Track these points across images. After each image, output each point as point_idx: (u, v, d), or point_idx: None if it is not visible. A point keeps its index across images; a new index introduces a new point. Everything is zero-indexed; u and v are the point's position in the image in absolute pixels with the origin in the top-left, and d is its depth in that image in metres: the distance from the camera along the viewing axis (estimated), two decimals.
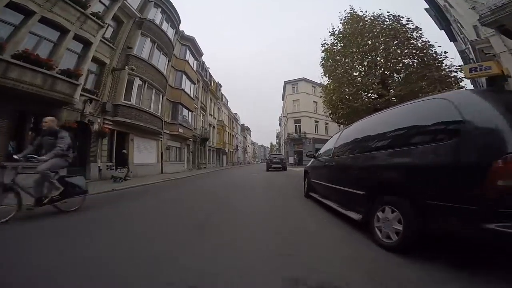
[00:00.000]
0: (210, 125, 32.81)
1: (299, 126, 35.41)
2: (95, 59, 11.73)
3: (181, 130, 19.82)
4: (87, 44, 10.85)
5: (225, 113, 44.00)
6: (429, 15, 15.83)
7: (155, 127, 15.68)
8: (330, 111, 15.17)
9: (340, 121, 15.28)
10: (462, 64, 12.49)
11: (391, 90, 12.26)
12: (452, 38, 18.05)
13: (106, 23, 11.70)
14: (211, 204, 5.21)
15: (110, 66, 12.92)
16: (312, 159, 5.73)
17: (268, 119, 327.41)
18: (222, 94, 42.52)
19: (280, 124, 67.60)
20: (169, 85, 19.55)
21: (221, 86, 40.97)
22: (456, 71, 11.45)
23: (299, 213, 4.22)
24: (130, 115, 13.47)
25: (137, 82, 14.59)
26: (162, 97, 17.93)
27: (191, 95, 23.19)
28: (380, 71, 12.39)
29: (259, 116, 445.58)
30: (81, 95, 10.48)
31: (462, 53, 13.43)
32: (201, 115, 29.12)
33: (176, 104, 20.19)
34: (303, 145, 33.92)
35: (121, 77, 13.51)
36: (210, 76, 34.37)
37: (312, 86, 39.21)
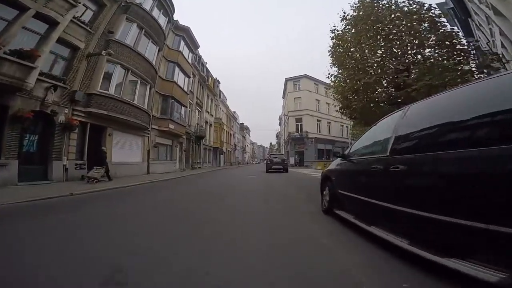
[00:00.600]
0: (206, 122, 30.88)
1: (301, 125, 33.51)
2: (66, 43, 10.06)
3: (172, 126, 17.88)
4: (53, 24, 9.09)
5: (223, 111, 42.07)
6: (441, 11, 14.03)
7: (139, 121, 13.73)
8: (340, 105, 13.19)
9: (353, 116, 13.30)
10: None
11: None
12: (468, 33, 16.40)
13: (79, 2, 9.84)
14: (180, 224, 3.30)
15: (85, 52, 11.02)
16: (338, 160, 3.85)
17: (267, 119, 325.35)
18: (220, 91, 40.60)
19: (280, 124, 65.76)
20: (159, 76, 17.65)
21: (219, 83, 39.04)
22: (493, 61, 9.55)
23: (327, 253, 2.29)
24: (107, 107, 11.52)
25: (118, 70, 12.69)
26: (150, 89, 16.00)
27: (185, 89, 21.25)
28: (403, 57, 10.48)
29: (258, 116, 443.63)
30: (42, 81, 8.72)
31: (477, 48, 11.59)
32: (197, 111, 27.17)
33: (167, 98, 18.25)
34: (304, 145, 32.04)
35: (99, 64, 11.61)
36: (208, 71, 32.47)
37: (315, 83, 37.47)
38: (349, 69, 11.44)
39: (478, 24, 15.57)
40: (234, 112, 54.35)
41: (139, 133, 14.97)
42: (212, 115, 33.81)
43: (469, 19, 16.52)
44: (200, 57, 29.48)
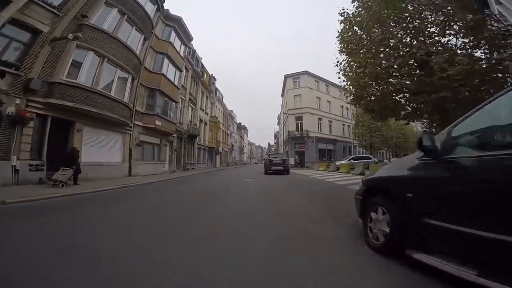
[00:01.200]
0: (201, 120, 29.07)
1: (301, 123, 31.76)
2: (25, 26, 8.57)
3: (159, 123, 16.04)
4: (3, 3, 7.48)
5: (219, 109, 40.26)
6: None
7: (117, 116, 11.88)
8: (353, 96, 11.38)
9: (369, 108, 11.34)
10: None
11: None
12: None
13: None
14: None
15: (50, 36, 9.26)
16: (412, 159, 2.10)
17: (264, 120, 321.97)
18: (216, 88, 38.80)
19: (279, 123, 64.02)
20: (145, 68, 15.88)
21: (215, 80, 37.26)
22: None
23: None
24: (75, 98, 9.67)
25: (91, 57, 10.90)
26: (133, 80, 14.21)
27: (176, 83, 19.41)
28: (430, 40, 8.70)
29: (255, 117, 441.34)
30: None
31: None
32: (190, 108, 25.35)
33: (154, 91, 16.40)
34: (305, 145, 30.30)
35: (66, 50, 9.87)
36: (203, 66, 30.70)
37: (315, 80, 35.83)
38: (366, 52, 9.66)
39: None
40: (231, 111, 52.58)
41: (119, 130, 13.12)
42: (207, 113, 32.01)
43: None
44: (194, 51, 27.71)
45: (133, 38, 14.04)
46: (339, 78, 11.89)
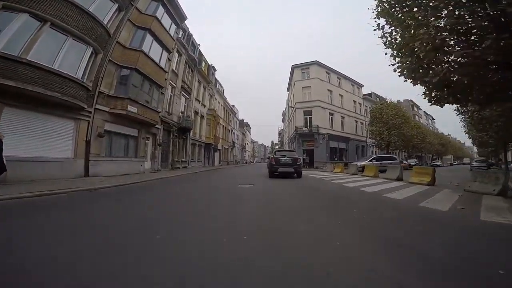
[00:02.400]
0: (196, 113, 25.54)
1: (310, 118, 28.01)
2: None
3: (133, 109, 12.51)
4: None
5: (219, 103, 36.70)
6: None
7: (61, 95, 8.39)
8: (412, 67, 7.29)
9: (445, 84, 7.06)
10: None
11: None
12: None
13: None
14: None
15: None
16: None
17: (268, 119, 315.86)
18: (216, 80, 35.25)
19: (283, 120, 60.21)
20: (118, 43, 12.47)
21: (214, 70, 33.71)
22: None
23: None
24: None
25: (23, 19, 7.53)
26: (96, 54, 10.81)
27: (162, 65, 15.88)
28: None
29: (257, 116, 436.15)
30: None
31: None
32: (182, 97, 21.82)
33: (129, 71, 12.92)
34: (315, 142, 26.57)
35: None
36: (200, 54, 27.13)
37: (326, 72, 32.05)
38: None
39: None
40: (233, 106, 48.99)
41: (68, 115, 9.61)
42: (205, 106, 28.47)
43: None
44: (190, 35, 24.12)
45: (100, 6, 10.87)
46: (385, 47, 8.02)
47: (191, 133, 23.77)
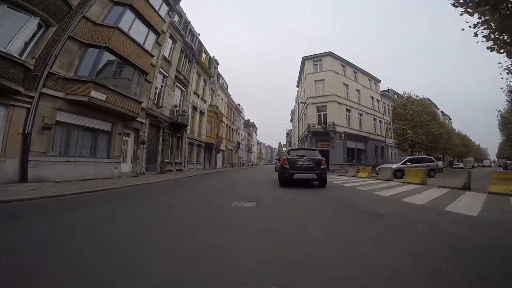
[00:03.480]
0: (195, 108, 22.55)
1: (324, 115, 24.57)
2: None
3: (99, 96, 9.49)
4: None
5: (222, 100, 33.71)
6: None
7: None
8: None
9: None
10: None
11: None
12: None
13: None
14: None
15: None
16: None
17: (273, 121, 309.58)
18: (219, 74, 32.30)
19: (292, 119, 56.78)
20: (87, 18, 9.63)
21: (217, 64, 30.76)
22: None
23: None
24: None
25: None
26: (46, 28, 8.03)
27: (147, 48, 12.95)
28: None
29: (264, 118, 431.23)
30: None
31: None
32: (177, 89, 18.86)
33: (97, 50, 9.97)
34: (330, 142, 23.09)
35: None
36: (200, 44, 24.26)
37: (341, 64, 28.61)
38: None
39: None
40: (239, 104, 45.93)
41: None
42: (205, 101, 25.47)
43: None
44: (188, 22, 21.27)
45: None
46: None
47: (188, 131, 20.74)
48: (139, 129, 13.56)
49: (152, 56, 13.89)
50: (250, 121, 64.16)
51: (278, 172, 9.89)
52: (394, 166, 14.08)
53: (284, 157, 8.63)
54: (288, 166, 8.03)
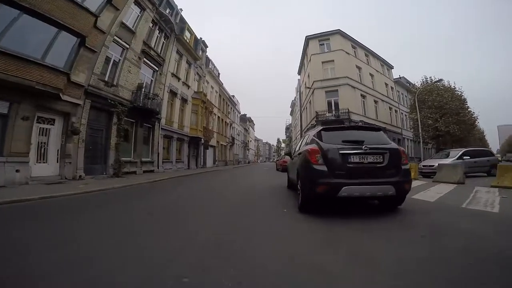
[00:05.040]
0: (173, 93, 17.98)
1: (336, 101, 20.07)
2: None
3: None
4: None
5: (213, 88, 29.07)
6: None
7: None
8: None
9: None
10: None
11: None
12: None
13: None
14: None
15: None
16: None
17: (270, 117, 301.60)
18: (208, 59, 27.63)
19: (292, 113, 52.24)
20: None
21: (205, 47, 26.09)
22: None
23: None
24: None
25: None
26: None
27: (86, 6, 8.33)
28: None
29: (261, 114, 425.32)
30: None
31: None
32: (145, 67, 14.32)
33: None
34: None
35: None
36: (183, 21, 19.83)
37: (352, 46, 24.12)
38: None
39: None
40: (233, 96, 41.26)
41: None
42: (189, 87, 20.84)
43: None
44: None
45: None
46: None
47: (164, 121, 16.16)
48: (71, 113, 8.97)
49: (96, 17, 9.40)
50: (247, 115, 59.54)
51: (291, 175, 5.64)
52: (449, 161, 9.75)
53: (312, 146, 3.78)
54: (324, 169, 3.38)
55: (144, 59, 14.19)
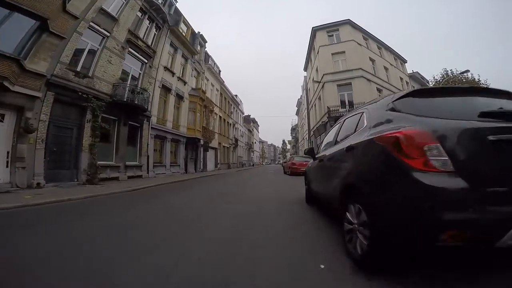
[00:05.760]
0: (166, 89, 16.22)
1: (349, 95, 17.99)
2: None
3: None
4: None
5: (214, 86, 27.27)
6: None
7: None
8: None
9: None
10: None
11: None
12: None
13: None
14: None
15: None
16: None
17: (276, 119, 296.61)
18: (207, 55, 25.87)
19: (297, 113, 50.12)
20: None
21: (204, 42, 24.34)
22: None
23: None
24: None
25: None
26: None
27: None
28: None
29: (266, 115, 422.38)
30: None
31: None
32: (129, 57, 12.58)
33: None
34: None
35: None
36: (178, 14, 18.32)
37: (364, 37, 22.08)
38: None
39: None
40: (236, 95, 39.42)
41: None
42: (186, 83, 19.05)
43: None
44: None
45: None
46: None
47: (155, 119, 14.34)
48: (25, 107, 7.15)
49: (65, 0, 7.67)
50: (251, 116, 57.65)
51: (317, 186, 3.79)
52: None
53: (405, 129, 1.55)
54: (456, 183, 1.31)
55: (130, 49, 12.45)
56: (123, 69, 11.89)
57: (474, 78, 20.73)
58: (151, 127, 13.74)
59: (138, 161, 12.73)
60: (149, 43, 14.30)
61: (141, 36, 13.52)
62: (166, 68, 16.01)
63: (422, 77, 32.96)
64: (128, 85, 11.86)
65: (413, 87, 29.09)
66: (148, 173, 13.20)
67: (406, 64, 29.34)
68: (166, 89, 16.07)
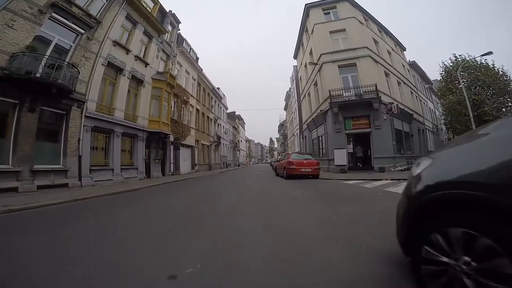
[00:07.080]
0: (115, 68, 12.12)
1: (354, 77, 14.55)
2: None
3: None
4: None
5: (189, 74, 23.15)
6: None
7: None
8: None
9: None
10: None
11: None
12: None
13: None
14: None
15: None
16: None
17: (262, 119, 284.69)
18: (181, 38, 21.77)
19: (286, 107, 46.71)
20: None
21: (177, 23, 20.28)
22: None
23: None
24: None
25: None
26: None
27: None
28: None
29: (252, 112, 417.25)
30: None
31: None
32: (50, 22, 8.38)
33: None
34: (373, 119, 12.94)
35: None
36: None
37: (364, 16, 18.92)
38: None
39: None
40: (218, 88, 35.35)
41: None
42: (148, 64, 14.89)
43: None
44: None
45: None
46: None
47: (94, 106, 10.24)
48: None
49: None
50: (236, 113, 53.70)
51: None
52: None
53: None
54: None
55: (56, 14, 8.37)
56: (39, 38, 7.87)
57: (488, 64, 17.94)
58: (86, 116, 9.60)
59: (62, 163, 8.61)
60: (92, 12, 10.23)
61: (80, 2, 9.52)
62: (116, 43, 11.90)
63: (420, 68, 30.62)
64: (46, 56, 7.74)
65: (414, 76, 26.49)
66: (80, 180, 9.10)
67: (405, 52, 26.78)
68: (115, 69, 11.97)
